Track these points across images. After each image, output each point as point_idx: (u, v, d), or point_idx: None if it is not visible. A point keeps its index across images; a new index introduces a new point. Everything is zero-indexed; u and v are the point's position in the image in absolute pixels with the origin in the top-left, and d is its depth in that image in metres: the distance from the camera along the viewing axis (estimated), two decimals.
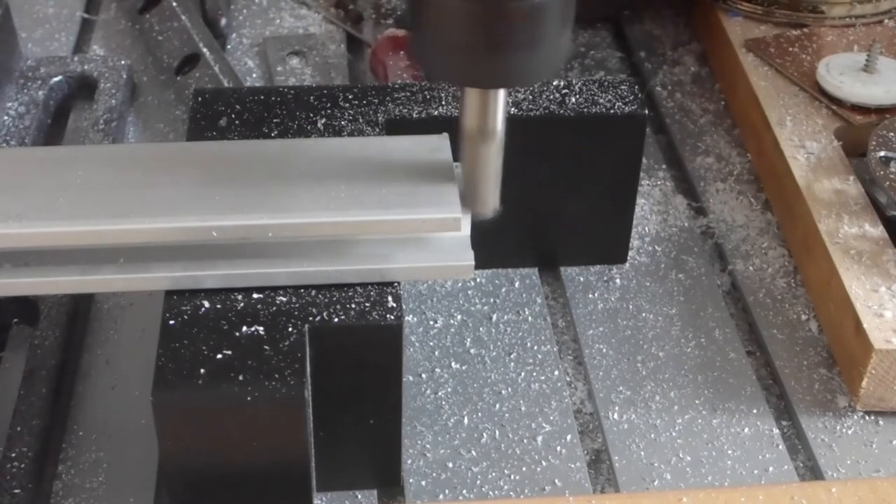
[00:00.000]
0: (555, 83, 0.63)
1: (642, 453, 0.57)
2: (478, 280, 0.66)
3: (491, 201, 0.53)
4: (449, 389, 0.60)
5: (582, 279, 0.67)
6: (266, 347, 0.48)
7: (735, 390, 0.61)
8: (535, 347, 0.63)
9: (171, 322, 0.49)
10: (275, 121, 0.60)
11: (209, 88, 0.67)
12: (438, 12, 0.46)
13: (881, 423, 0.59)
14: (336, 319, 0.50)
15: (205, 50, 0.78)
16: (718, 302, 0.66)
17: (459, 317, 0.64)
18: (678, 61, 0.85)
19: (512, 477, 0.56)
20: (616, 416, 0.59)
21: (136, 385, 0.59)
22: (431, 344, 0.63)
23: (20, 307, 0.62)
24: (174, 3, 0.82)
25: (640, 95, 0.63)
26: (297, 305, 0.50)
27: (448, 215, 0.51)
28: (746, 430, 0.59)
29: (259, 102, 0.61)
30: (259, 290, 0.51)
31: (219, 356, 0.48)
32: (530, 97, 0.62)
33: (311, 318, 0.50)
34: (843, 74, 0.73)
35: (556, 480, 0.56)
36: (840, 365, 0.62)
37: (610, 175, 0.64)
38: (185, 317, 0.49)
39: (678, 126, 0.79)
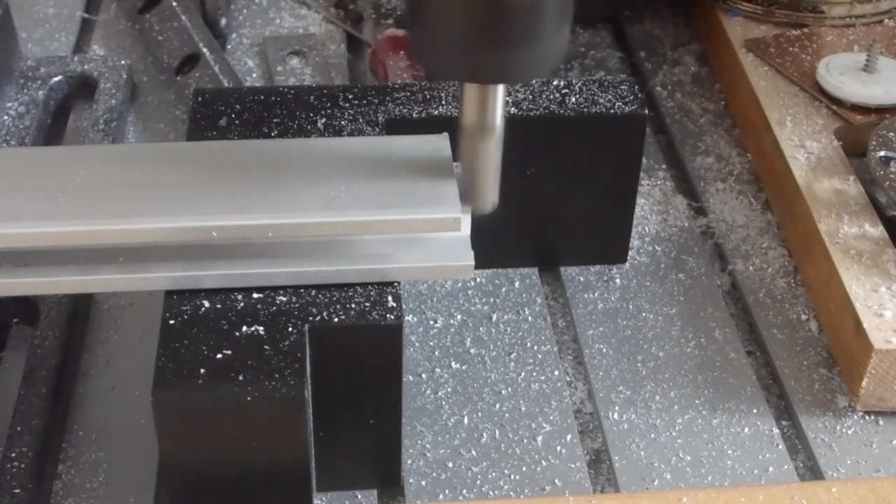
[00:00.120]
0: (555, 83, 0.63)
1: (642, 453, 0.57)
2: (478, 280, 0.66)
3: (490, 197, 0.53)
4: (449, 389, 0.60)
5: (582, 279, 0.67)
6: (266, 347, 0.48)
7: (735, 390, 0.61)
8: (535, 347, 0.63)
9: (171, 322, 0.49)
10: (275, 121, 0.60)
11: (209, 88, 0.67)
12: (437, 8, 0.46)
13: (881, 423, 0.59)
14: (336, 319, 0.50)
15: (205, 50, 0.78)
16: (718, 302, 0.66)
17: (459, 317, 0.64)
18: (678, 61, 0.85)
19: (512, 477, 0.56)
20: (616, 415, 0.59)
21: (136, 385, 0.59)
22: (431, 344, 0.63)
23: (20, 307, 0.62)
24: (174, 3, 0.82)
25: (640, 95, 0.63)
26: (297, 305, 0.50)
27: (448, 215, 0.51)
28: (746, 430, 0.59)
29: (259, 102, 0.61)
30: (259, 290, 0.51)
31: (219, 356, 0.48)
32: (530, 97, 0.62)
33: (311, 318, 0.50)
34: (843, 74, 0.73)
35: (556, 480, 0.56)
36: (840, 365, 0.62)
37: (610, 175, 0.64)
38: (185, 317, 0.49)
39: (678, 126, 0.79)
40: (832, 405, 0.60)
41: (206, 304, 0.50)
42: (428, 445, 0.57)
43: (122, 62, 0.80)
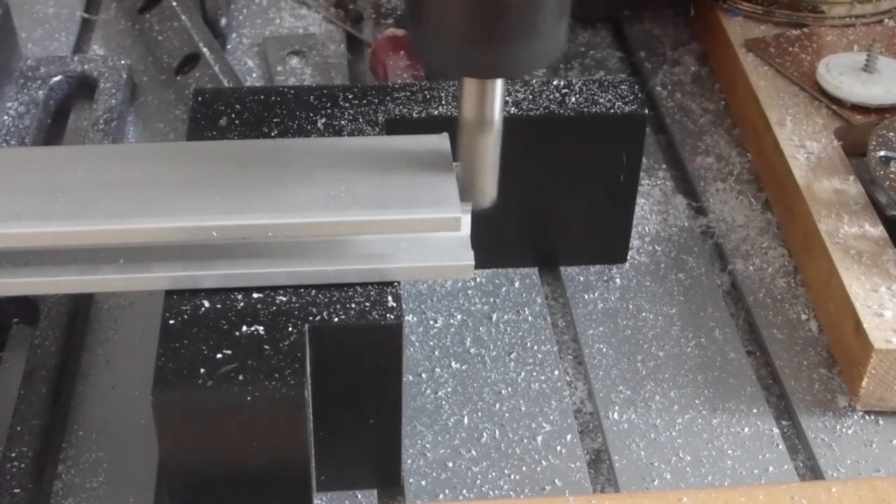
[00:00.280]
0: (555, 83, 0.63)
1: (642, 453, 0.57)
2: (478, 280, 0.66)
3: (489, 192, 0.53)
4: (449, 389, 0.60)
5: (582, 279, 0.67)
6: (266, 347, 0.48)
7: (735, 390, 0.61)
8: (535, 347, 0.63)
9: (171, 322, 0.49)
10: (275, 121, 0.60)
11: (209, 88, 0.67)
12: (436, 3, 0.46)
13: (881, 423, 0.59)
14: (336, 319, 0.50)
15: (205, 50, 0.78)
16: (718, 302, 0.66)
17: (459, 316, 0.64)
18: (678, 61, 0.85)
19: (512, 477, 0.56)
20: (616, 415, 0.59)
21: (136, 385, 0.59)
22: (431, 344, 0.63)
23: (20, 307, 0.62)
24: (174, 3, 0.82)
25: (640, 95, 0.63)
26: (297, 305, 0.50)
27: (448, 215, 0.51)
28: (746, 429, 0.59)
29: (259, 102, 0.61)
30: (259, 289, 0.51)
31: (219, 356, 0.47)
32: (530, 97, 0.62)
33: (311, 318, 0.50)
34: (843, 74, 0.73)
35: (556, 480, 0.56)
36: (840, 365, 0.62)
37: (610, 175, 0.64)
38: (185, 317, 0.49)
39: (678, 126, 0.79)
40: (832, 405, 0.60)
41: (206, 304, 0.50)
42: (428, 445, 0.57)
43: (122, 62, 0.80)
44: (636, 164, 0.64)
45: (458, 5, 0.46)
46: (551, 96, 0.62)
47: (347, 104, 0.61)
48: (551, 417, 0.59)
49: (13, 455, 0.54)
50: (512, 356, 0.62)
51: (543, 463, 0.57)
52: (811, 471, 0.57)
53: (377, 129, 0.60)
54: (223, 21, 0.86)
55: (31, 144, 0.72)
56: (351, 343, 0.50)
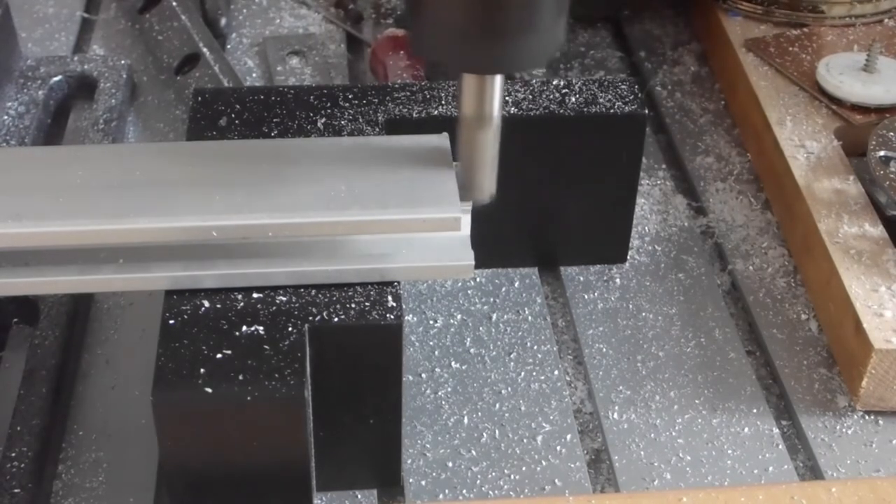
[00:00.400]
0: (555, 83, 0.63)
1: (642, 453, 0.57)
2: (478, 280, 0.66)
3: (487, 187, 0.53)
4: (449, 389, 0.60)
5: (582, 279, 0.67)
6: (266, 347, 0.48)
7: (735, 390, 0.61)
8: (535, 347, 0.63)
9: (171, 322, 0.49)
10: (275, 121, 0.60)
11: (209, 88, 0.67)
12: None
13: (881, 422, 0.59)
14: (336, 319, 0.50)
15: (205, 50, 0.78)
16: (718, 302, 0.66)
17: (459, 316, 0.64)
18: (678, 61, 0.85)
19: (512, 477, 0.56)
20: (616, 415, 0.59)
21: (136, 385, 0.59)
22: (431, 344, 0.63)
23: (20, 307, 0.62)
24: (174, 3, 0.82)
25: (640, 95, 0.63)
26: (297, 305, 0.50)
27: (448, 215, 0.51)
28: (746, 429, 0.59)
29: (259, 102, 0.61)
30: (259, 289, 0.51)
31: (219, 356, 0.48)
32: (530, 97, 0.62)
33: (310, 318, 0.50)
34: (843, 74, 0.73)
35: (556, 480, 0.56)
36: (840, 365, 0.62)
37: (610, 175, 0.64)
38: (185, 316, 0.49)
39: (678, 126, 0.79)
40: (832, 405, 0.60)
41: (206, 303, 0.50)
42: (428, 445, 0.57)
43: (122, 62, 0.80)
44: (636, 164, 0.64)
45: (458, 1, 0.46)
46: (551, 96, 0.62)
47: (347, 104, 0.61)
48: (551, 417, 0.59)
49: (13, 455, 0.54)
50: (512, 356, 0.62)
51: (543, 463, 0.57)
52: (811, 471, 0.57)
53: (377, 129, 0.60)
54: (223, 21, 0.86)
55: (31, 144, 0.72)
56: (351, 343, 0.50)
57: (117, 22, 0.88)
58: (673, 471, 0.56)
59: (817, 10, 0.81)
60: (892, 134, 0.68)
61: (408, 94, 0.62)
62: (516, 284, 0.66)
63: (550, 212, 0.65)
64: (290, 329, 0.49)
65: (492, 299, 0.65)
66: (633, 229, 0.68)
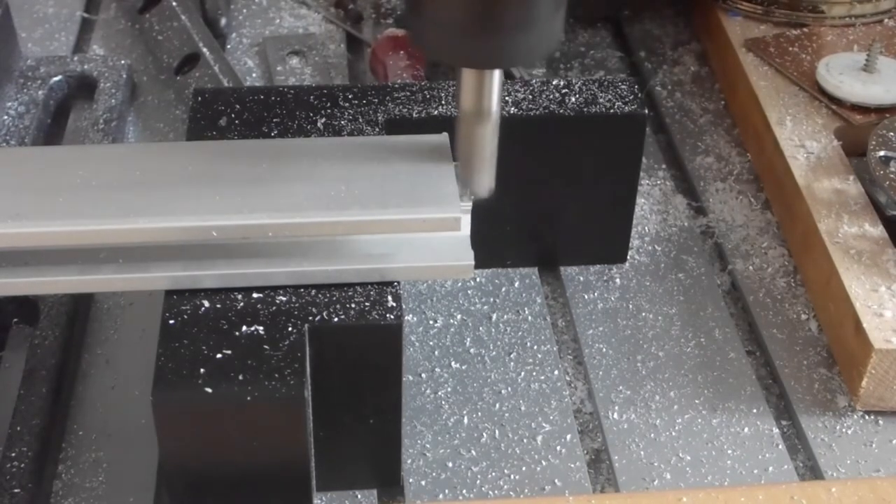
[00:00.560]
0: (555, 83, 0.63)
1: (642, 453, 0.57)
2: (478, 280, 0.66)
3: (486, 182, 0.53)
4: (449, 389, 0.60)
5: (582, 279, 0.67)
6: (266, 347, 0.48)
7: (735, 390, 0.61)
8: (535, 347, 0.63)
9: (171, 322, 0.49)
10: (275, 120, 0.60)
11: (209, 88, 0.67)
12: None
13: (881, 422, 0.59)
14: (336, 319, 0.50)
15: (205, 50, 0.78)
16: (718, 302, 0.66)
17: (459, 316, 0.64)
18: (678, 61, 0.85)
19: (512, 477, 0.56)
20: (616, 415, 0.59)
21: (136, 385, 0.59)
22: (431, 344, 0.63)
23: (20, 307, 0.62)
24: (174, 3, 0.82)
25: (640, 95, 0.63)
26: (296, 305, 0.50)
27: (448, 215, 0.51)
28: (746, 429, 0.59)
29: (259, 102, 0.61)
30: (259, 289, 0.51)
31: (219, 356, 0.48)
32: (530, 97, 0.62)
33: (310, 318, 0.50)
34: (842, 74, 0.73)
35: (556, 480, 0.56)
36: (840, 365, 0.62)
37: (610, 175, 0.64)
38: (185, 316, 0.49)
39: (678, 126, 0.79)
40: (832, 405, 0.60)
41: (206, 303, 0.50)
42: (428, 445, 0.57)
43: (122, 62, 0.80)
44: (636, 164, 0.64)
45: None
46: (551, 96, 0.62)
47: (347, 104, 0.61)
48: (551, 417, 0.59)
49: (13, 455, 0.54)
50: (512, 356, 0.62)
51: (543, 463, 0.57)
52: (811, 471, 0.57)
53: (377, 129, 0.60)
54: (223, 21, 0.86)
55: (31, 144, 0.72)
56: (351, 343, 0.50)
57: (117, 22, 0.88)
58: (673, 471, 0.56)
59: (817, 10, 0.81)
60: (892, 134, 0.68)
61: (408, 94, 0.62)
62: (516, 284, 0.66)
63: (550, 212, 0.65)
64: (290, 329, 0.49)
65: (492, 299, 0.65)
66: (633, 229, 0.68)
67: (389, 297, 0.51)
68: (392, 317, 0.50)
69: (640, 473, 0.56)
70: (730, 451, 0.57)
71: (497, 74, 0.50)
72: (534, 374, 0.61)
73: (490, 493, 0.55)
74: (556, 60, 0.85)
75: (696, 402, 0.60)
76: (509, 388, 0.60)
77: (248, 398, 0.46)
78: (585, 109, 0.62)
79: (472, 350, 0.62)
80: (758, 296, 0.66)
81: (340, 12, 0.89)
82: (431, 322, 0.64)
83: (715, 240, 0.70)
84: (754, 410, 0.60)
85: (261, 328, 0.49)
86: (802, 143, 0.70)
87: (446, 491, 0.55)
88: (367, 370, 0.51)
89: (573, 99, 0.62)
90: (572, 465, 0.57)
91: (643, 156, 0.64)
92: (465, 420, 0.59)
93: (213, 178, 0.52)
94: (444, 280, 0.66)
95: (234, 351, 0.48)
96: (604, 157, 0.63)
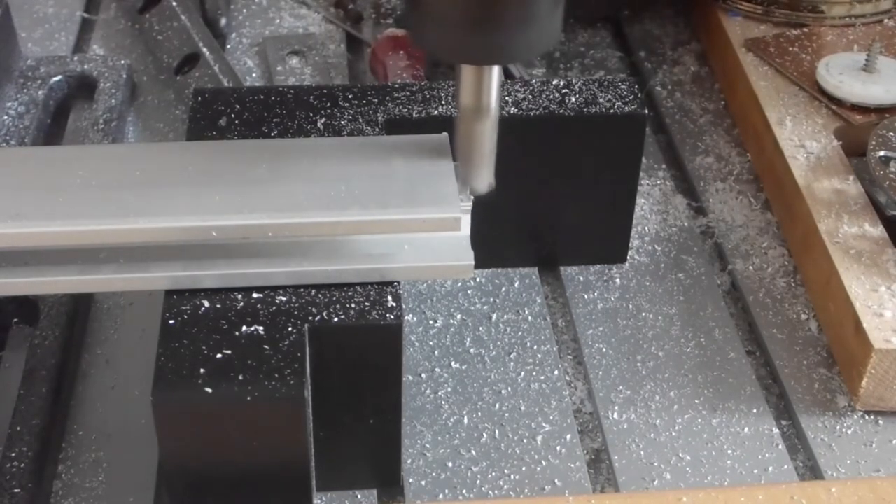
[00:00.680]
0: (555, 83, 0.63)
1: (642, 453, 0.57)
2: (478, 280, 0.66)
3: (486, 177, 0.53)
4: (449, 389, 0.60)
5: (582, 279, 0.67)
6: (266, 347, 0.48)
7: (735, 390, 0.61)
8: (535, 347, 0.63)
9: (171, 322, 0.49)
10: (275, 120, 0.60)
11: (209, 88, 0.67)
12: None
13: (881, 422, 0.59)
14: (336, 319, 0.50)
15: (205, 50, 0.78)
16: (718, 302, 0.66)
17: (459, 316, 0.64)
18: (678, 61, 0.85)
19: (512, 477, 0.56)
20: (616, 415, 0.59)
21: (136, 385, 0.59)
22: (431, 344, 0.63)
23: (20, 307, 0.62)
24: (174, 3, 0.82)
25: (639, 95, 0.63)
26: (296, 305, 0.50)
27: (448, 215, 0.51)
28: (746, 429, 0.59)
29: (259, 102, 0.61)
30: (259, 289, 0.51)
31: (219, 356, 0.48)
32: (530, 97, 0.62)
33: (310, 318, 0.50)
34: (842, 74, 0.73)
35: (556, 480, 0.56)
36: (840, 365, 0.62)
37: (610, 175, 0.64)
38: (185, 316, 0.49)
39: (678, 126, 0.79)
40: (832, 405, 0.60)
41: (206, 303, 0.50)
42: (428, 445, 0.57)
43: (122, 62, 0.80)
44: (636, 164, 0.64)
45: None
46: (551, 96, 0.62)
47: (347, 104, 0.61)
48: (551, 417, 0.59)
49: (13, 455, 0.54)
50: (512, 356, 0.62)
51: (543, 463, 0.57)
52: (811, 471, 0.57)
53: (377, 129, 0.60)
54: (223, 21, 0.86)
55: (31, 144, 0.72)
56: (351, 343, 0.50)
57: (117, 22, 0.88)
58: (673, 471, 0.57)
59: (817, 10, 0.81)
60: (891, 134, 0.68)
61: (408, 94, 0.62)
62: (516, 284, 0.66)
63: (550, 212, 0.65)
64: (290, 329, 0.49)
65: (492, 299, 0.65)
66: (633, 229, 0.68)
67: (389, 297, 0.51)
68: (392, 317, 0.50)
69: (640, 473, 0.56)
70: (730, 451, 0.57)
71: (496, 70, 0.50)
72: (534, 374, 0.61)
73: (490, 493, 0.55)
74: (556, 60, 0.85)
75: (696, 402, 0.60)
76: (509, 388, 0.60)
77: (248, 398, 0.46)
78: (585, 109, 0.62)
79: (472, 350, 0.62)
80: (758, 296, 0.66)
81: (340, 12, 0.89)
82: (431, 322, 0.64)
83: (715, 240, 0.70)
84: (754, 410, 0.60)
85: (261, 328, 0.49)
86: (802, 143, 0.70)
87: (446, 491, 0.55)
88: (367, 370, 0.51)
89: (573, 99, 0.62)
90: (572, 465, 0.57)
91: (643, 156, 0.64)
92: (465, 420, 0.59)
93: (213, 178, 0.52)
94: (444, 280, 0.66)
95: (234, 351, 0.48)
96: (604, 157, 0.63)
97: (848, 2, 0.81)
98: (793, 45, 0.78)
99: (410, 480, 0.56)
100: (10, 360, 0.61)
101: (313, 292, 0.51)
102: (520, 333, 0.63)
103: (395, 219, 0.51)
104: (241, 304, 0.50)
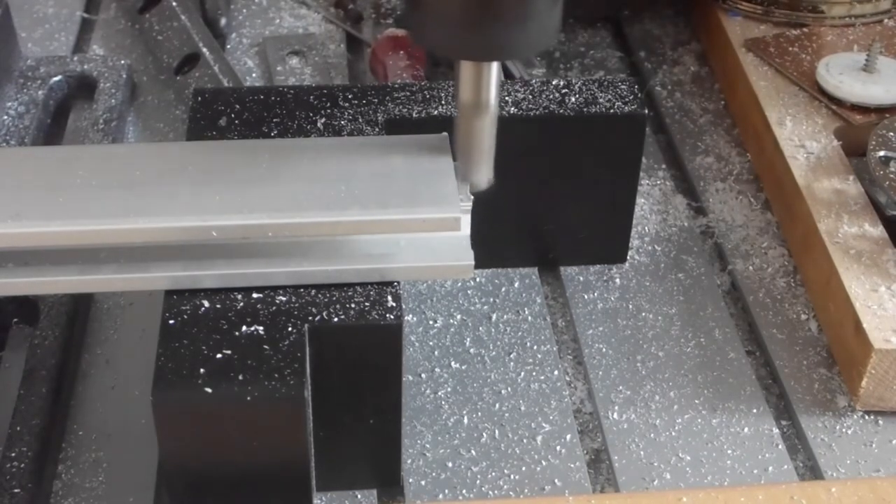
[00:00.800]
0: (555, 83, 0.63)
1: (642, 453, 0.57)
2: (478, 280, 0.66)
3: (485, 173, 0.53)
4: (449, 389, 0.60)
5: (582, 279, 0.67)
6: (266, 347, 0.48)
7: (735, 390, 0.61)
8: (535, 347, 0.63)
9: (171, 322, 0.49)
10: (275, 120, 0.60)
11: (209, 88, 0.67)
12: None
13: (881, 422, 0.59)
14: (336, 319, 0.50)
15: (204, 50, 0.78)
16: (718, 302, 0.66)
17: (459, 316, 0.64)
18: (678, 61, 0.85)
19: (512, 477, 0.56)
20: (616, 415, 0.59)
21: (136, 385, 0.59)
22: (431, 344, 0.63)
23: (20, 307, 0.62)
24: (174, 3, 0.82)
25: (639, 95, 0.63)
26: (296, 305, 0.50)
27: (448, 215, 0.51)
28: (746, 429, 0.59)
29: (259, 102, 0.61)
30: (259, 289, 0.51)
31: (219, 356, 0.48)
32: (530, 97, 0.62)
33: (310, 318, 0.50)
34: (842, 74, 0.73)
35: (556, 480, 0.56)
36: (840, 365, 0.62)
37: (610, 175, 0.64)
38: (185, 317, 0.49)
39: (678, 126, 0.79)
40: (832, 405, 0.60)
41: (206, 303, 0.50)
42: (428, 445, 0.57)
43: (122, 62, 0.80)
44: (636, 164, 0.64)
45: None
46: (551, 96, 0.62)
47: (347, 104, 0.61)
48: (551, 417, 0.59)
49: (13, 455, 0.54)
50: (512, 356, 0.62)
51: (543, 463, 0.57)
52: (811, 471, 0.57)
53: (377, 129, 0.60)
54: (223, 21, 0.86)
55: (31, 144, 0.72)
56: (351, 343, 0.50)
57: (117, 22, 0.88)
58: (673, 471, 0.57)
59: (817, 10, 0.81)
60: (891, 134, 0.68)
61: (408, 94, 0.62)
62: (516, 284, 0.66)
63: (550, 212, 0.65)
64: (289, 329, 0.49)
65: (492, 299, 0.65)
66: (633, 229, 0.68)
67: (389, 297, 0.51)
68: (392, 317, 0.50)
69: (639, 473, 0.56)
70: (730, 451, 0.57)
71: (495, 67, 0.50)
72: (534, 374, 0.61)
73: (490, 493, 0.55)
74: (556, 60, 0.85)
75: (696, 402, 0.60)
76: (509, 388, 0.60)
77: (248, 398, 0.46)
78: (585, 109, 0.62)
79: (471, 350, 0.62)
80: (758, 296, 0.66)
81: (340, 12, 0.89)
82: (431, 322, 0.64)
83: (715, 240, 0.71)
84: (754, 410, 0.60)
85: (261, 328, 0.49)
86: (802, 143, 0.70)
87: (446, 491, 0.55)
88: (367, 370, 0.51)
89: (573, 99, 0.62)
90: (572, 465, 0.57)
91: (643, 156, 0.64)
92: (465, 420, 0.59)
93: (213, 178, 0.52)
94: (444, 280, 0.66)
95: (234, 351, 0.48)
96: (604, 157, 0.63)
97: (848, 2, 0.81)
98: (793, 45, 0.78)
99: (410, 480, 0.56)
100: (10, 360, 0.61)
101: (313, 292, 0.51)
102: (520, 333, 0.63)
103: (395, 219, 0.51)
104: (241, 304, 0.50)
